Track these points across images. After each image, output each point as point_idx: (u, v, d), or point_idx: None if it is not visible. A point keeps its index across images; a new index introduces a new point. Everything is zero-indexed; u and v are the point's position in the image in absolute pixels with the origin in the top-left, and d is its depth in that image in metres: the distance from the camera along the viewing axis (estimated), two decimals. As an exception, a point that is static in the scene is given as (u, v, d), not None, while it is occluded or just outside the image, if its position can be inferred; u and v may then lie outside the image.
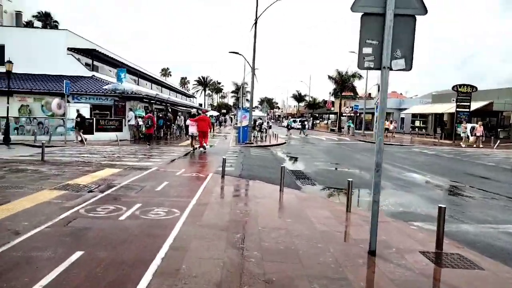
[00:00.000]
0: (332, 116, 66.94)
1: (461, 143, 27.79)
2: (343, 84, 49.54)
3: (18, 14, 33.43)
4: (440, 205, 5.15)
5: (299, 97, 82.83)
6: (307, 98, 77.05)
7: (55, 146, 18.05)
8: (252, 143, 23.82)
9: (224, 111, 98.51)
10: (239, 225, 5.92)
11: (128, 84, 28.51)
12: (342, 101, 54.24)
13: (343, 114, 54.50)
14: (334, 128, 51.34)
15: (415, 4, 4.60)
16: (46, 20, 52.53)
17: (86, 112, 23.08)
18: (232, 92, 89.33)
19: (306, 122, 45.04)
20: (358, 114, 46.95)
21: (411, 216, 7.47)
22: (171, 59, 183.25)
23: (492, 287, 4.15)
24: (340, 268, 4.37)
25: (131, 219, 5.92)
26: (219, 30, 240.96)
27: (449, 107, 34.78)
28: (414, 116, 46.73)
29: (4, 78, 21.12)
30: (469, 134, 27.97)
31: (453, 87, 31.00)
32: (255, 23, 23.95)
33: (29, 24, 41.94)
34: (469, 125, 28.62)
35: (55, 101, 22.90)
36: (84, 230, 5.28)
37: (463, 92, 30.41)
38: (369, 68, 4.88)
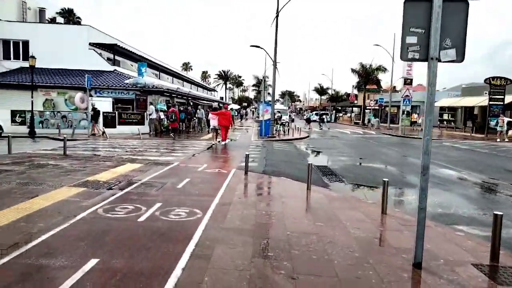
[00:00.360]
0: (355, 109, 65.52)
1: (497, 138, 26.35)
2: (367, 77, 48.20)
3: (42, 11, 33.84)
4: (496, 212, 4.51)
5: (321, 90, 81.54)
6: (329, 91, 75.69)
7: (78, 140, 18.08)
8: (274, 137, 23.31)
9: (245, 104, 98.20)
10: (265, 229, 5.45)
11: (149, 78, 28.45)
12: (366, 94, 52.85)
13: (367, 107, 53.11)
14: (358, 121, 50.14)
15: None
16: (69, 17, 53.30)
17: (108, 106, 23.16)
18: (253, 85, 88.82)
19: (325, 116, 44.14)
20: (383, 107, 45.59)
21: (453, 218, 6.82)
22: (192, 54, 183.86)
23: None
24: (383, 284, 3.83)
25: (150, 221, 5.55)
26: (241, 24, 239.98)
27: (480, 100, 33.18)
28: (442, 109, 44.93)
29: (28, 73, 21.29)
30: (505, 128, 26.49)
31: (485, 80, 29.47)
32: (277, 16, 23.27)
33: (53, 21, 42.59)
34: (506, 119, 27.06)
35: (78, 95, 23.03)
36: (100, 234, 4.93)
37: (497, 85, 28.85)
38: (413, 60, 4.26)
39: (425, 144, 4.22)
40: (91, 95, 22.63)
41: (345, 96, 74.89)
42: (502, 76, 29.23)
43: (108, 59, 29.95)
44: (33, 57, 20.49)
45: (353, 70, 49.23)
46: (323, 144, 21.17)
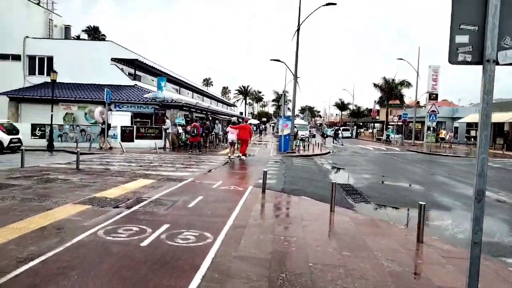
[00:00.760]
0: (377, 125, 64.09)
1: None
2: (390, 92, 47.08)
3: (67, 28, 34.66)
4: None
5: (342, 106, 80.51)
6: (350, 107, 74.58)
7: (95, 154, 17.88)
8: (294, 152, 22.58)
9: (265, 119, 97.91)
10: (284, 259, 4.74)
11: (168, 93, 28.38)
12: (388, 110, 51.58)
13: (390, 123, 51.75)
14: (380, 137, 48.82)
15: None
16: (95, 34, 54.79)
17: (127, 120, 23.06)
18: (273, 100, 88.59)
19: (339, 131, 43.74)
20: (406, 123, 44.22)
21: (500, 249, 5.93)
22: (212, 67, 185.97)
23: None
24: (431, 339, 3.06)
25: (154, 246, 4.93)
26: (261, 38, 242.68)
27: (511, 116, 31.58)
28: (469, 125, 43.18)
29: (51, 87, 21.45)
30: None
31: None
32: (298, 29, 22.86)
33: (78, 38, 43.70)
34: None
35: (98, 109, 23.03)
36: (96, 261, 4.34)
37: (531, 99, 27.33)
38: (465, 63, 3.54)
39: (480, 164, 3.45)
40: (110, 109, 22.61)
41: (366, 112, 73.56)
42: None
43: (129, 74, 30.17)
44: (54, 71, 20.68)
45: (375, 85, 48.26)
46: (345, 161, 20.29)
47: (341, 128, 55.59)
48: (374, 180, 13.45)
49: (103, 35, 55.81)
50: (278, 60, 28.10)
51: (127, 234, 5.37)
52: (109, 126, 21.13)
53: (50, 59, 27.63)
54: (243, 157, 17.42)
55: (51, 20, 32.20)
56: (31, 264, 4.14)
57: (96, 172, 11.60)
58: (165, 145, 21.84)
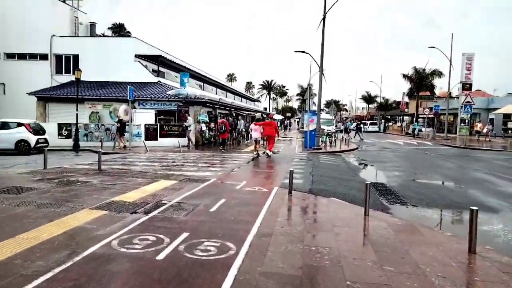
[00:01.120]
0: (406, 118, 61.90)
1: None
2: (420, 83, 45.13)
3: (92, 25, 34.94)
4: None
5: (368, 98, 78.34)
6: (377, 99, 72.42)
7: (119, 153, 17.78)
8: (320, 149, 21.79)
9: (289, 114, 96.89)
10: (317, 276, 4.15)
11: (191, 89, 28.11)
12: (418, 102, 49.57)
13: (420, 116, 49.70)
14: (409, 131, 47.08)
15: None
16: (120, 31, 55.43)
17: (151, 118, 22.93)
18: (297, 95, 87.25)
19: (362, 125, 42.57)
20: (438, 115, 42.33)
21: None
22: (234, 63, 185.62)
23: None
24: None
25: (171, 260, 4.45)
26: (286, 32, 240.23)
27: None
28: (506, 116, 40.86)
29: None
30: None
31: None
32: (324, 18, 21.91)
33: (103, 35, 44.21)
34: None
35: (122, 107, 22.96)
36: (106, 279, 3.90)
37: None
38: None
39: None
40: (134, 107, 22.55)
41: (394, 104, 71.31)
42: None
43: (153, 71, 30.08)
44: (78, 69, 20.74)
45: (404, 76, 46.45)
46: (375, 157, 19.35)
47: (365, 122, 54.08)
48: (408, 177, 12.61)
49: (128, 32, 56.37)
50: (303, 51, 27.15)
51: (143, 245, 4.92)
52: (124, 124, 20.56)
53: (76, 57, 27.89)
54: (269, 153, 16.87)
55: (77, 17, 32.54)
56: (35, 283, 3.73)
57: (117, 173, 11.34)
58: (189, 143, 21.53)
